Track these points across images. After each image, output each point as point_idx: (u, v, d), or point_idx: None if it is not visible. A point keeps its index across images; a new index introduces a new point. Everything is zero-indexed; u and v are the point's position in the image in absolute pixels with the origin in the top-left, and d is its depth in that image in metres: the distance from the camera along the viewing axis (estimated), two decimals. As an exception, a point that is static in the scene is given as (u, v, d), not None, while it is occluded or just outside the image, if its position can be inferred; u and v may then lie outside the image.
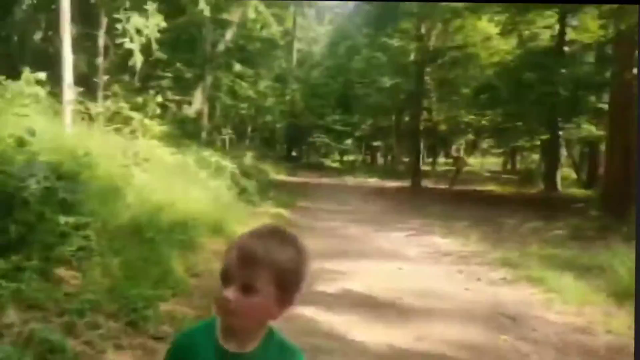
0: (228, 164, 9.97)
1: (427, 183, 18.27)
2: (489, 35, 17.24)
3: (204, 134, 14.68)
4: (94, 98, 9.56)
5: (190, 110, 16.45)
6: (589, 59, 15.73)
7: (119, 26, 8.49)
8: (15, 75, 6.92)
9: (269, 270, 1.02)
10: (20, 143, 4.27)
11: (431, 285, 5.53)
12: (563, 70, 13.55)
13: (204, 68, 15.25)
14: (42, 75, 7.06)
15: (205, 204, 6.86)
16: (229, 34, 15.59)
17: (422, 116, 19.72)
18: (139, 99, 8.74)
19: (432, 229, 9.44)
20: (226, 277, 1.03)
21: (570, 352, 3.89)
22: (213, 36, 15.37)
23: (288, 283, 1.05)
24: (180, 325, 3.42)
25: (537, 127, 15.63)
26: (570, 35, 14.82)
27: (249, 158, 15.79)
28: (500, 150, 25.22)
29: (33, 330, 2.77)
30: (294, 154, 28.22)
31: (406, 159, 23.93)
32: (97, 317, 3.24)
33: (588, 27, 14.00)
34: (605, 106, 12.65)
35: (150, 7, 8.26)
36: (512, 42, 16.89)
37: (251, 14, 8.66)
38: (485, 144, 22.87)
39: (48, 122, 6.16)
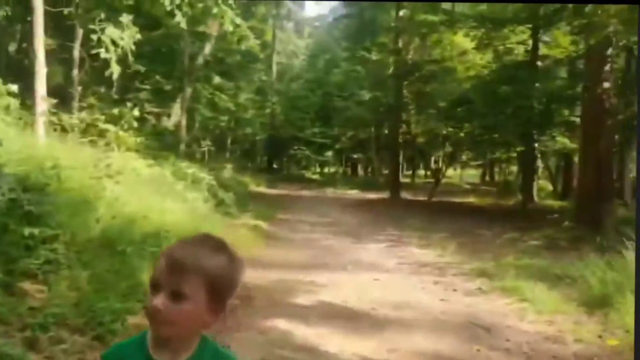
0: (205, 176, 9.90)
1: (406, 195, 18.39)
2: (465, 50, 17.57)
3: (182, 146, 14.58)
4: (69, 110, 9.45)
5: (169, 123, 16.37)
6: (562, 73, 16.13)
7: (94, 37, 8.42)
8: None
9: (199, 277, 1.00)
10: (-13, 154, 4.19)
11: (407, 296, 5.53)
12: (537, 85, 13.84)
13: (183, 80, 15.21)
14: (14, 87, 6.96)
15: (180, 215, 6.79)
16: (208, 47, 15.60)
17: (401, 129, 19.90)
18: (115, 111, 8.64)
19: (410, 240, 9.48)
20: (155, 286, 1.01)
21: (541, 361, 3.92)
22: (192, 49, 15.36)
23: (219, 290, 1.03)
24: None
25: (513, 139, 15.90)
26: (543, 50, 15.19)
27: (228, 170, 15.71)
28: (479, 163, 25.55)
29: (-7, 345, 2.69)
30: (274, 166, 28.19)
31: (386, 171, 24.08)
32: (61, 332, 3.16)
33: (559, 42, 14.39)
34: (578, 119, 12.94)
35: (126, 19, 8.22)
36: (488, 56, 17.24)
37: (228, 27, 8.66)
38: (464, 156, 23.13)
39: (18, 133, 6.05)
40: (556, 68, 15.81)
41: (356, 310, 4.93)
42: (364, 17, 20.51)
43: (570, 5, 11.97)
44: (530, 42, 15.14)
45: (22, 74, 9.06)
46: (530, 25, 14.66)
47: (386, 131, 22.89)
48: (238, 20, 8.20)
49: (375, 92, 20.37)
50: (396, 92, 18.72)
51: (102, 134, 8.29)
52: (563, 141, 15.11)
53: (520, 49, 16.16)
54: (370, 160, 27.46)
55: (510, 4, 14.35)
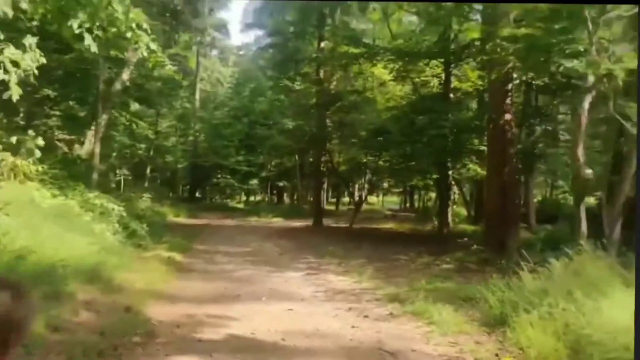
0: (115, 207, 9.41)
1: (329, 222, 18.56)
2: (385, 81, 18.31)
3: (95, 175, 13.83)
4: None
5: (81, 150, 15.54)
6: (474, 105, 17.24)
7: (-7, 59, 7.86)
8: None
9: None
10: None
11: (318, 324, 5.49)
12: (450, 115, 14.64)
13: (97, 106, 14.56)
14: None
15: (83, 249, 6.38)
16: (126, 73, 15.09)
17: (324, 157, 20.21)
18: (13, 139, 8.05)
19: (328, 268, 9.50)
20: None
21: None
22: (109, 74, 14.79)
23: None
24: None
25: (429, 167, 16.62)
26: (454, 83, 16.16)
27: (145, 200, 15.09)
28: (399, 190, 26.43)
29: None
30: (197, 195, 27.50)
31: (311, 199, 24.25)
32: None
33: (469, 76, 15.39)
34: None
35: (29, 41, 7.75)
36: (407, 88, 18.06)
37: (143, 53, 8.40)
38: (385, 183, 23.84)
39: None
40: (467, 100, 16.87)
41: (265, 342, 4.82)
42: (288, 47, 20.84)
43: (477, 42, 12.89)
44: (443, 75, 16.06)
45: None
46: (442, 60, 15.59)
47: (310, 159, 23.16)
48: (153, 46, 7.95)
49: (298, 120, 20.63)
50: (319, 121, 19.07)
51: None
52: (475, 168, 15.98)
53: (435, 82, 17.11)
54: (296, 187, 27.58)
55: (425, 38, 15.25)
